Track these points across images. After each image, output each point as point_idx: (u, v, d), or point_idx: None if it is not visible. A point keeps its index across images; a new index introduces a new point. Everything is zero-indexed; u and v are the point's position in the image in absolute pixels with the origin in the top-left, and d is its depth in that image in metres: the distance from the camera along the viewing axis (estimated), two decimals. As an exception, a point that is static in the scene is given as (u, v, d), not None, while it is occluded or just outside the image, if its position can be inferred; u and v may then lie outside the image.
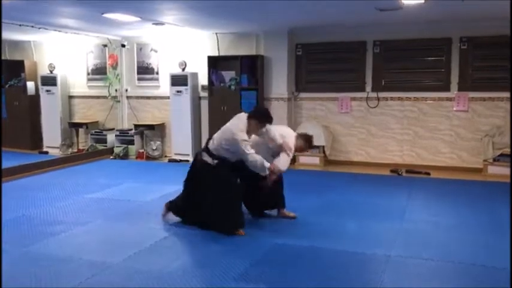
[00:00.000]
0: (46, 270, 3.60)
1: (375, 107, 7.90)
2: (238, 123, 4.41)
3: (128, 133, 9.07)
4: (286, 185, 4.98)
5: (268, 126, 4.55)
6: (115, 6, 6.02)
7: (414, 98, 7.68)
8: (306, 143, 4.87)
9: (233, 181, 4.46)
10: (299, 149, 4.90)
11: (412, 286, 3.33)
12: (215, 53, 8.54)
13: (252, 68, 8.28)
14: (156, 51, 9.12)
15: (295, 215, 4.88)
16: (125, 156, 8.90)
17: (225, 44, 8.55)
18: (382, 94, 7.84)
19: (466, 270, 3.62)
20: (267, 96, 8.32)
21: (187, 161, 8.52)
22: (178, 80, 8.53)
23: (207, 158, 4.46)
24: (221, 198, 4.38)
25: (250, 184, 4.59)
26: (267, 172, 4.36)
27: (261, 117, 4.46)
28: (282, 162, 4.56)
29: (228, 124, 4.51)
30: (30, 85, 9.76)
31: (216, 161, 4.41)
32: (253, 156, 4.29)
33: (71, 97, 9.87)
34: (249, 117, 4.42)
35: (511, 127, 6.93)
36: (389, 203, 5.51)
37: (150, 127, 9.05)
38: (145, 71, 9.25)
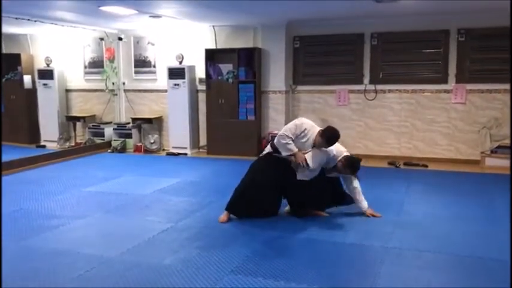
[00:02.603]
0: (44, 263, 3.60)
1: (372, 100, 7.90)
2: (295, 127, 4.54)
3: (126, 126, 9.06)
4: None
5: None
6: (111, -2, 6.00)
7: (412, 90, 7.68)
8: (346, 168, 4.60)
9: (257, 170, 4.70)
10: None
11: (409, 278, 3.34)
12: (212, 46, 8.51)
13: (249, 61, 8.26)
14: (153, 45, 9.08)
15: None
16: (122, 149, 8.89)
17: (222, 36, 8.52)
18: (379, 86, 7.84)
19: (463, 262, 3.63)
20: (264, 89, 8.31)
21: (185, 154, 8.54)
22: (175, 73, 8.51)
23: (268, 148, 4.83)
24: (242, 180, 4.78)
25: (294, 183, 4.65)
26: (286, 154, 4.51)
27: (329, 140, 4.48)
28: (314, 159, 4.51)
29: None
30: (27, 79, 9.73)
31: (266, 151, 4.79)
32: (283, 137, 4.50)
33: (68, 91, 9.84)
34: (321, 133, 4.51)
35: (510, 119, 6.95)
36: (387, 195, 5.52)
37: (148, 120, 9.04)
38: (142, 64, 9.22)
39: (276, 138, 4.65)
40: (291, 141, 4.48)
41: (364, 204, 4.75)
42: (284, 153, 4.53)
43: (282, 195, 4.80)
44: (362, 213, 4.78)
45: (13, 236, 4.21)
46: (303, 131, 4.49)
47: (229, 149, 8.24)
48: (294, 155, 4.48)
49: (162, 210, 5.07)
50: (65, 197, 5.63)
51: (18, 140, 9.61)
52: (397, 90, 7.77)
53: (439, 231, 4.32)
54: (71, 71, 9.76)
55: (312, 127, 4.56)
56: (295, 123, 4.59)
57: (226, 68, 8.41)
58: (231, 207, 4.69)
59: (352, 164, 4.60)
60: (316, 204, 4.79)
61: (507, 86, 7.03)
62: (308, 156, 4.48)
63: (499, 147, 7.09)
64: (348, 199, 4.88)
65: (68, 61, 9.70)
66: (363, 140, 8.02)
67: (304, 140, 4.50)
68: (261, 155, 4.92)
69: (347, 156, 4.67)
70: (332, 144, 4.50)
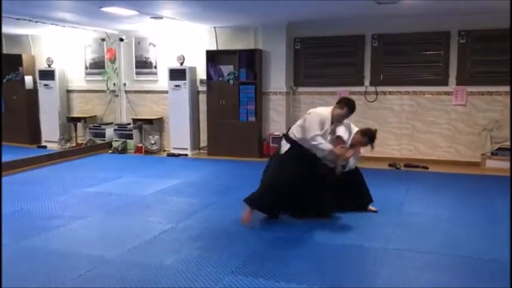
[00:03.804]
0: (45, 264, 3.61)
1: (373, 101, 7.90)
2: (318, 122, 4.53)
3: (127, 127, 9.07)
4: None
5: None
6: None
7: (412, 92, 7.69)
8: (363, 137, 4.74)
9: (283, 168, 4.57)
10: (357, 143, 4.76)
11: (409, 278, 3.35)
12: (213, 47, 8.52)
13: (250, 62, 8.27)
14: (154, 46, 9.10)
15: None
16: (123, 150, 8.90)
17: (223, 38, 8.53)
18: (380, 88, 7.84)
19: (463, 262, 3.64)
20: (265, 90, 8.32)
21: (186, 155, 8.54)
22: (176, 74, 8.52)
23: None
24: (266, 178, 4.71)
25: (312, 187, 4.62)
26: (325, 153, 4.53)
27: (351, 109, 4.61)
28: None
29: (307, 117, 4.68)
30: (28, 79, 9.73)
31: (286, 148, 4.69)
32: (313, 138, 4.47)
33: (69, 91, 9.86)
34: (340, 103, 4.59)
35: (510, 121, 6.95)
36: (387, 196, 5.51)
37: (149, 121, 9.05)
38: (143, 65, 9.23)
39: (305, 143, 4.55)
40: (322, 140, 4.46)
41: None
42: (321, 154, 4.54)
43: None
44: (362, 214, 4.79)
45: (14, 236, 4.21)
46: (324, 122, 4.52)
47: (230, 150, 8.25)
48: (332, 151, 4.48)
49: (163, 210, 5.08)
50: (65, 197, 5.64)
51: (19, 140, 9.62)
52: (397, 91, 7.78)
53: (439, 232, 4.33)
54: (72, 72, 9.77)
55: (325, 111, 4.62)
56: (312, 120, 4.53)
57: (227, 69, 8.42)
58: (258, 204, 4.51)
59: (368, 132, 4.77)
60: (317, 208, 4.76)
61: (508, 88, 7.03)
62: (341, 131, 4.61)
63: (499, 149, 7.09)
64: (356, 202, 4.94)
65: (69, 62, 9.72)
66: (364, 141, 8.01)
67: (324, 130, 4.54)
68: (283, 153, 4.69)
69: (364, 130, 4.85)
70: (353, 110, 4.63)
